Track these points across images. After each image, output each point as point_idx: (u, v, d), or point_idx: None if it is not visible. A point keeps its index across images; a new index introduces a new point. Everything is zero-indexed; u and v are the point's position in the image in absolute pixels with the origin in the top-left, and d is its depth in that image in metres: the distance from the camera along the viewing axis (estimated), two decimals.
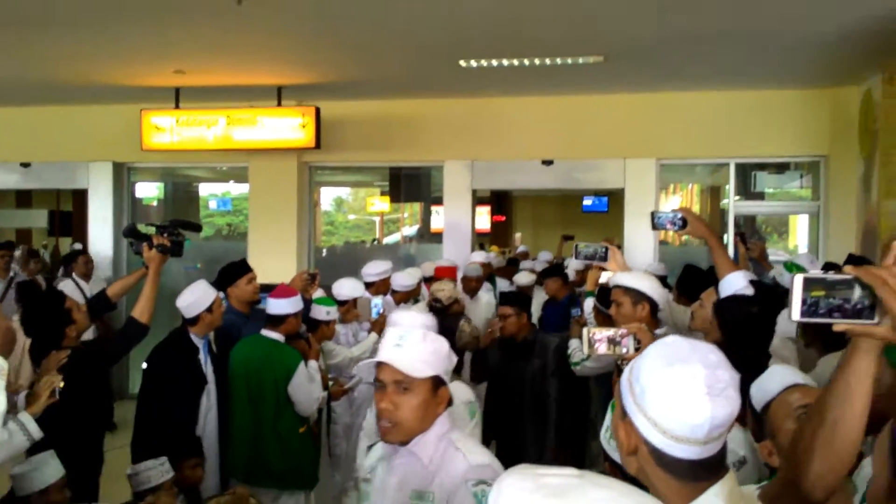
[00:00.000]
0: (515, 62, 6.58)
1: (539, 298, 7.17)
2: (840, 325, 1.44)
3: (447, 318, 5.18)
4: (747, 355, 2.67)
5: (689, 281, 4.90)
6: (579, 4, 5.04)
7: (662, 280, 6.55)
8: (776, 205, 9.07)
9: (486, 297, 7.07)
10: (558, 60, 6.52)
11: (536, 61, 6.55)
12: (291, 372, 4.25)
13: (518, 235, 10.69)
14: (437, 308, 5.24)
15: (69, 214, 11.41)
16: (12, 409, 3.27)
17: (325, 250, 10.98)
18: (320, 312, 4.81)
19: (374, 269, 6.02)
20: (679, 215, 3.50)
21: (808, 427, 1.57)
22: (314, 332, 4.77)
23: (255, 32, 5.82)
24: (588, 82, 7.47)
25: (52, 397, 3.20)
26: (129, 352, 4.18)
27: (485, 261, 7.64)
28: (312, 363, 4.45)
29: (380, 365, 2.17)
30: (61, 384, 3.21)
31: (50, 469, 3.33)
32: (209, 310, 4.24)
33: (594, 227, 12.92)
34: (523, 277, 7.46)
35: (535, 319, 6.72)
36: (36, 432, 3.15)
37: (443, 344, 2.22)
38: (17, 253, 8.62)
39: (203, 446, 4.09)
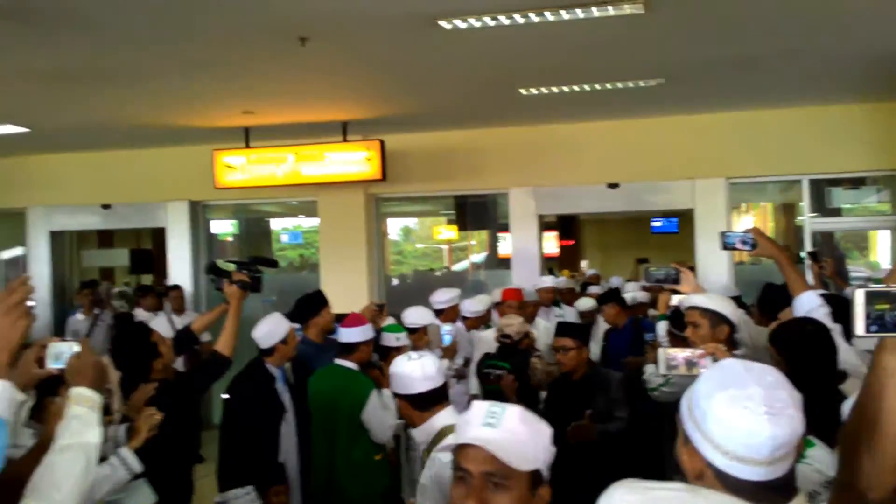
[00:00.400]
0: (576, 88, 6.58)
1: (602, 326, 7.02)
2: None
3: (517, 355, 5.15)
4: (811, 374, 2.61)
5: (770, 299, 4.78)
6: (636, 30, 5.03)
7: (737, 301, 6.40)
8: (853, 220, 8.78)
9: (545, 322, 6.87)
10: (619, 84, 6.50)
11: (597, 86, 6.54)
12: (364, 399, 4.31)
13: (585, 263, 10.56)
14: (505, 344, 5.20)
15: (149, 252, 11.82)
16: (110, 440, 3.41)
17: (394, 279, 11.10)
18: (390, 339, 4.85)
19: (443, 297, 6.07)
20: (750, 236, 3.45)
21: (852, 426, 1.54)
22: (386, 359, 4.82)
23: (319, 71, 5.98)
24: (649, 105, 7.41)
25: (152, 431, 3.27)
26: (213, 383, 4.32)
27: (552, 285, 7.61)
28: (386, 391, 4.50)
29: (463, 447, 1.67)
30: (160, 417, 3.29)
31: (142, 496, 3.40)
32: (284, 341, 4.35)
33: (664, 248, 12.71)
34: (585, 303, 7.38)
35: (598, 349, 6.55)
36: (136, 466, 3.22)
37: (544, 427, 1.76)
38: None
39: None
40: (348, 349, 4.50)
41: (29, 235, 9.69)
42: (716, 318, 3.55)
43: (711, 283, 6.94)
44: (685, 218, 8.78)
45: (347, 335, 4.52)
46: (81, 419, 2.03)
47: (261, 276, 4.43)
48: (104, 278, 11.54)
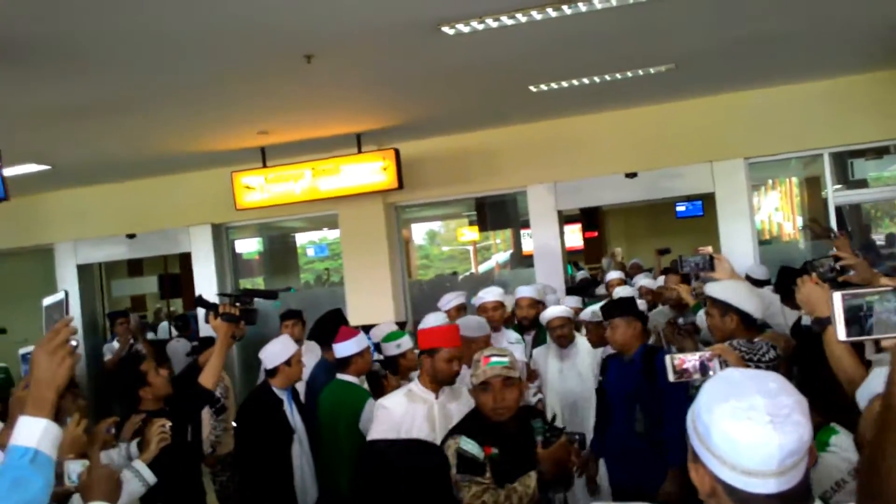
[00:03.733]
0: (586, 80, 6.55)
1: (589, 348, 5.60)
2: (888, 340, 1.39)
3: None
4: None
5: (786, 283, 4.72)
6: (643, 18, 5.00)
7: (766, 284, 6.30)
8: (879, 191, 8.63)
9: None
10: (629, 73, 6.46)
11: (607, 77, 6.50)
12: (360, 409, 4.31)
13: (618, 250, 10.08)
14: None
15: (177, 277, 11.97)
16: (123, 455, 3.45)
17: (420, 285, 11.12)
18: (390, 349, 4.83)
19: (446, 301, 6.09)
20: (707, 257, 3.85)
21: (877, 436, 1.49)
22: (394, 369, 4.81)
23: (327, 86, 6.01)
24: (662, 91, 7.35)
25: (164, 441, 3.30)
26: (196, 415, 4.10)
27: (495, 300, 5.87)
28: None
29: None
30: (169, 428, 3.31)
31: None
32: (287, 363, 4.38)
33: (690, 233, 12.61)
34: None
35: (591, 374, 5.50)
36: (150, 478, 3.23)
37: None
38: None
39: (298, 499, 4.17)
40: (344, 363, 4.52)
41: (58, 271, 9.85)
42: (723, 306, 3.51)
43: (738, 265, 6.84)
44: (709, 200, 8.68)
45: (341, 350, 4.53)
46: None
47: (253, 308, 4.26)
48: (135, 306, 11.71)
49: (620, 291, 6.66)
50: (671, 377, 2.56)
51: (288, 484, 4.19)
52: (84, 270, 9.97)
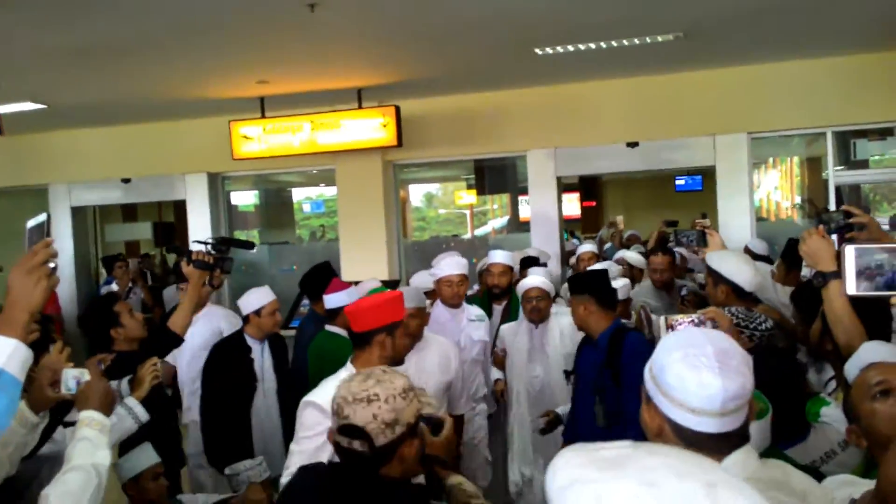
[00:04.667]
0: (592, 46, 6.46)
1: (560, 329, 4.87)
2: None
3: None
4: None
5: (793, 252, 4.70)
6: None
7: (764, 259, 6.28)
8: (880, 172, 8.58)
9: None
10: (636, 40, 6.37)
11: (613, 43, 6.41)
12: (346, 359, 4.21)
13: (620, 218, 9.79)
14: None
15: (171, 226, 11.92)
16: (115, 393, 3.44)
17: (415, 245, 11.11)
18: None
19: (440, 260, 5.98)
20: (700, 232, 4.24)
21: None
22: None
23: (330, 37, 5.92)
24: (668, 61, 7.26)
25: (156, 380, 3.32)
26: (162, 358, 3.97)
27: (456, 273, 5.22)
28: None
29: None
30: (159, 364, 3.30)
31: (145, 458, 3.41)
32: (257, 313, 4.42)
33: (689, 207, 12.56)
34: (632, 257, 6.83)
35: (562, 358, 4.81)
36: (143, 415, 3.26)
37: None
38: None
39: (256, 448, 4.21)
40: (334, 315, 4.48)
41: (52, 212, 9.79)
42: (716, 276, 3.62)
43: (735, 241, 6.86)
44: (709, 175, 8.64)
45: (331, 301, 4.50)
46: (90, 440, 2.13)
47: (228, 257, 4.18)
48: (129, 252, 11.68)
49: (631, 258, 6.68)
50: (661, 334, 2.55)
51: (245, 432, 4.23)
52: (78, 213, 9.92)
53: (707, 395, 1.50)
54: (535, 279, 4.81)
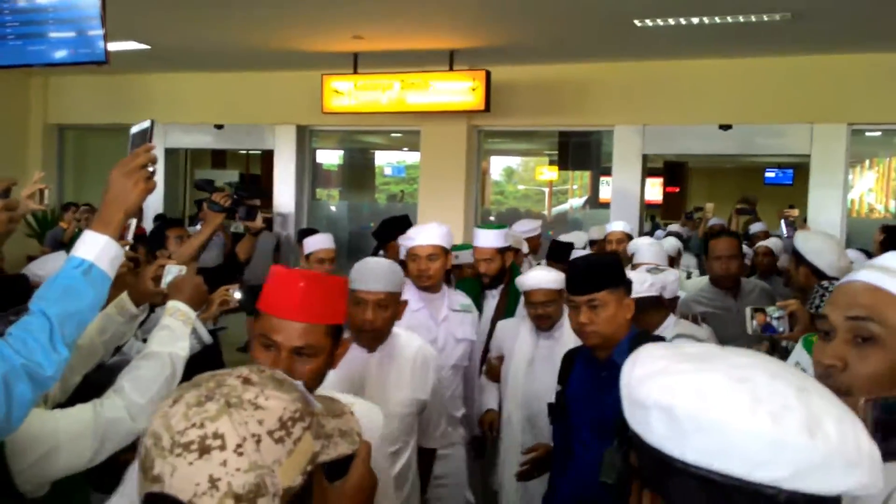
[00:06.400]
0: (695, 20, 6.29)
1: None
2: None
3: None
4: None
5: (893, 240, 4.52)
6: None
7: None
8: None
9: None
10: (741, 18, 6.17)
11: (717, 19, 6.24)
12: None
13: (710, 205, 9.14)
14: None
15: (258, 178, 12.23)
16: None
17: (493, 214, 11.10)
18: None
19: (524, 227, 5.87)
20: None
21: None
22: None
23: None
24: (771, 42, 7.02)
25: (226, 305, 3.14)
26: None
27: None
28: None
29: None
30: (237, 294, 3.15)
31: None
32: (307, 257, 4.60)
33: (776, 201, 12.20)
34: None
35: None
36: (206, 336, 3.06)
37: None
38: None
39: None
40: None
41: None
42: (798, 257, 3.43)
43: None
44: (801, 170, 8.35)
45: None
46: (172, 330, 2.11)
47: (252, 204, 4.01)
48: None
49: (646, 251, 4.48)
50: (749, 328, 2.42)
51: None
52: (171, 154, 10.26)
53: None
54: (539, 276, 3.44)
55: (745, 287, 4.26)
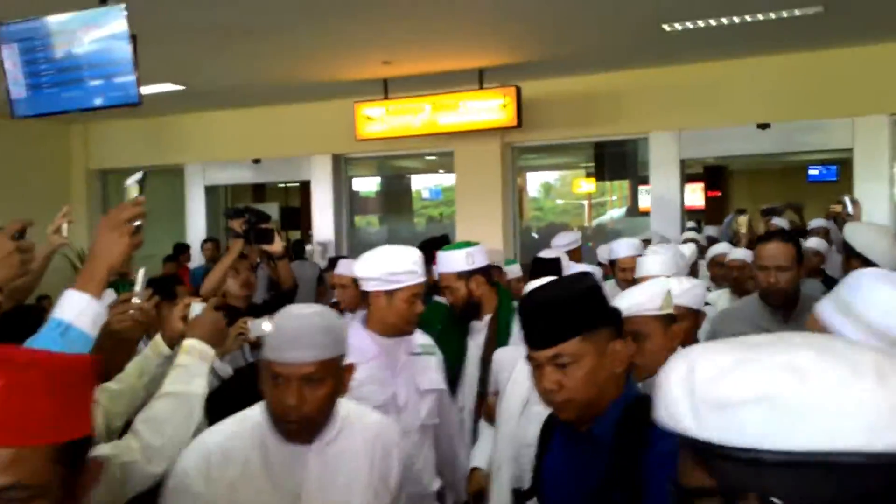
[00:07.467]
0: (724, 21, 6.21)
1: None
2: None
3: None
4: None
5: None
6: None
7: None
8: None
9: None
10: (772, 15, 6.08)
11: (747, 18, 6.15)
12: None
13: (743, 219, 8.70)
14: None
15: (297, 210, 12.36)
16: None
17: (532, 230, 11.05)
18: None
19: (563, 241, 5.87)
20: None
21: None
22: None
23: (455, 16, 5.95)
24: (805, 37, 6.89)
25: (243, 339, 3.15)
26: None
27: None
28: None
29: None
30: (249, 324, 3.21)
31: None
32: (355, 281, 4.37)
33: (820, 199, 11.91)
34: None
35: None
36: (222, 369, 3.10)
37: None
38: None
39: None
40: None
41: (187, 191, 10.33)
42: (849, 249, 3.35)
43: None
44: (844, 165, 8.17)
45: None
46: (187, 368, 2.03)
47: (266, 228, 4.09)
48: None
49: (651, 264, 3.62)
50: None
51: None
52: (211, 192, 10.42)
53: None
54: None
55: (803, 303, 3.13)
